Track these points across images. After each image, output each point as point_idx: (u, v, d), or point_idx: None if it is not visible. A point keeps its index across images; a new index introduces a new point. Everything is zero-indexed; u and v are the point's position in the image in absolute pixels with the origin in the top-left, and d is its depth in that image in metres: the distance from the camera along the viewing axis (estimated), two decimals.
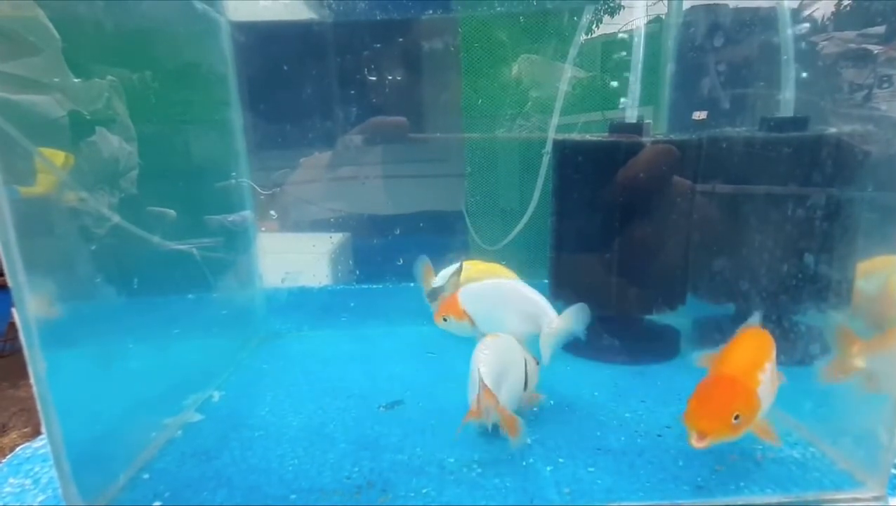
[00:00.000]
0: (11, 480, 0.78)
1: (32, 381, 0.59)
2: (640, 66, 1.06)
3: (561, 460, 0.77)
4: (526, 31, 1.37)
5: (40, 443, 0.87)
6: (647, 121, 1.07)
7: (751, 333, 0.77)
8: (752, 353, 0.73)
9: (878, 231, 0.94)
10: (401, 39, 1.31)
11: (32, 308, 0.59)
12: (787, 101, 0.99)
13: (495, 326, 0.90)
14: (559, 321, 0.88)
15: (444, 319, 0.95)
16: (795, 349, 1.00)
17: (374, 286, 1.41)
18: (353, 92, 1.30)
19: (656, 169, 1.00)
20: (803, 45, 1.00)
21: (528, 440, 0.82)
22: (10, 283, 0.57)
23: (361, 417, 0.91)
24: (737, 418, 0.64)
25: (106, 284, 0.79)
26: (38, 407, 0.60)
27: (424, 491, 0.71)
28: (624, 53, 1.10)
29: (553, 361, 0.91)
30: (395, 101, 1.33)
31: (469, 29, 1.36)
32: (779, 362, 1.01)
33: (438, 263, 1.23)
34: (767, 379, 0.70)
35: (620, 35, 1.29)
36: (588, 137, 1.20)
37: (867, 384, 0.74)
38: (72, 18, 0.82)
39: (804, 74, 0.99)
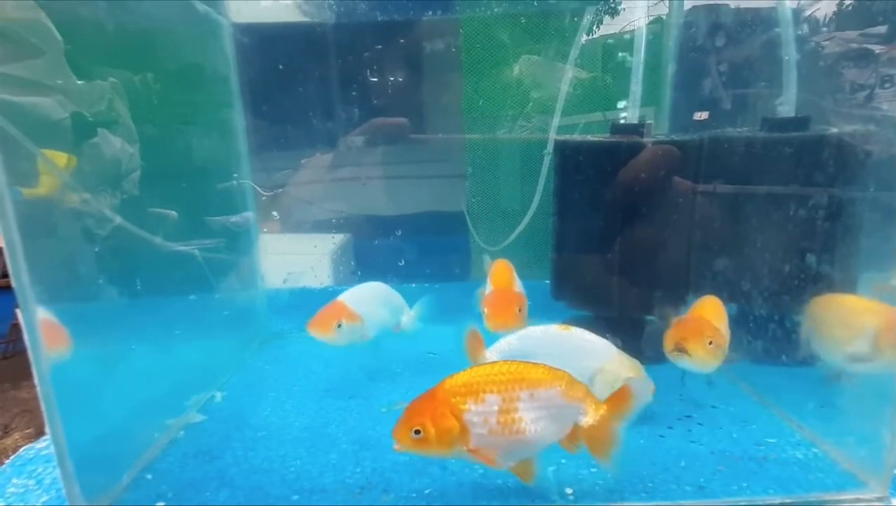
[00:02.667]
0: (15, 480, 0.79)
1: (36, 381, 0.59)
2: (641, 66, 1.06)
3: (563, 460, 0.77)
4: (527, 32, 1.37)
5: (43, 444, 0.87)
6: (649, 121, 1.08)
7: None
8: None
9: (879, 231, 0.94)
10: (402, 40, 1.31)
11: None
12: (788, 101, 0.99)
13: (378, 325, 1.00)
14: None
15: (339, 326, 0.93)
16: (797, 350, 1.00)
17: None
18: (354, 93, 1.30)
19: (657, 170, 1.00)
20: (805, 45, 1.00)
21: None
22: (14, 284, 0.57)
23: (363, 417, 0.91)
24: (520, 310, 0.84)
25: (108, 285, 0.79)
26: (42, 408, 0.60)
27: (426, 492, 0.72)
28: (625, 54, 1.10)
29: None
30: (397, 102, 1.33)
31: (470, 30, 1.36)
32: (781, 363, 1.02)
33: (439, 262, 1.23)
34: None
35: (621, 36, 1.29)
36: (589, 137, 1.20)
37: None
38: (74, 20, 0.82)
39: (805, 74, 0.99)
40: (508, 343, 0.83)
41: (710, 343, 0.80)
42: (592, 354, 0.80)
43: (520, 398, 0.61)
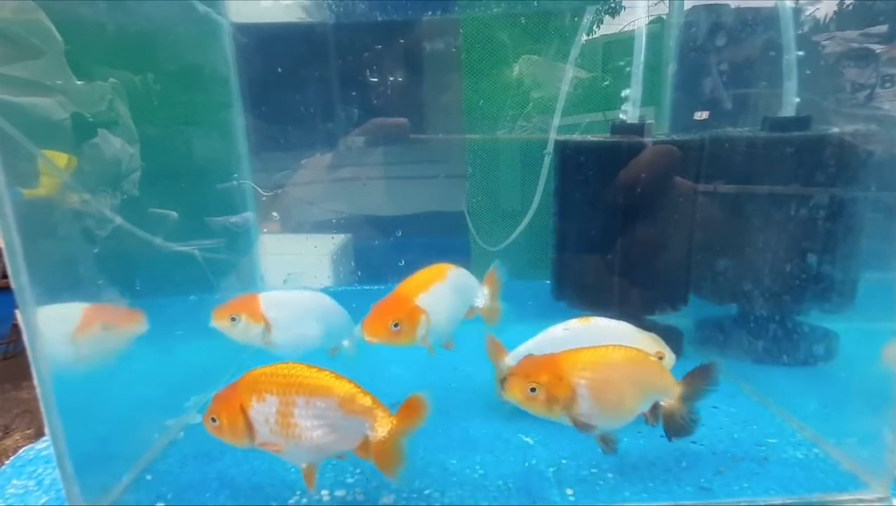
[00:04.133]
0: (15, 481, 0.79)
1: (36, 382, 0.59)
2: (641, 66, 1.05)
3: (564, 461, 0.77)
4: (527, 32, 1.37)
5: (43, 445, 0.87)
6: (650, 121, 1.07)
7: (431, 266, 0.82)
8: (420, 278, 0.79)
9: (881, 231, 0.94)
10: (402, 41, 1.31)
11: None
12: (789, 100, 0.99)
13: (297, 339, 0.84)
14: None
15: (233, 319, 0.83)
16: (799, 350, 1.00)
17: (376, 287, 1.41)
18: (354, 93, 1.30)
19: (658, 169, 1.00)
20: (805, 44, 1.00)
21: (530, 441, 0.82)
22: (13, 284, 0.57)
23: None
24: (396, 325, 0.72)
25: (108, 285, 0.79)
26: (42, 408, 0.60)
27: (427, 492, 0.71)
28: (625, 55, 1.10)
29: None
30: (397, 103, 1.33)
31: (470, 30, 1.36)
32: (782, 363, 1.02)
33: (440, 262, 1.23)
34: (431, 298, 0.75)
35: (622, 35, 1.29)
36: (589, 137, 1.20)
37: None
38: (74, 21, 0.82)
39: (806, 74, 0.99)
40: (527, 348, 0.84)
41: (534, 390, 0.64)
42: (617, 340, 0.80)
43: (296, 404, 0.61)
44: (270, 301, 0.85)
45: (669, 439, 0.70)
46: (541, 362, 0.66)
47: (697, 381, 0.70)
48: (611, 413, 0.67)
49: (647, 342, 0.83)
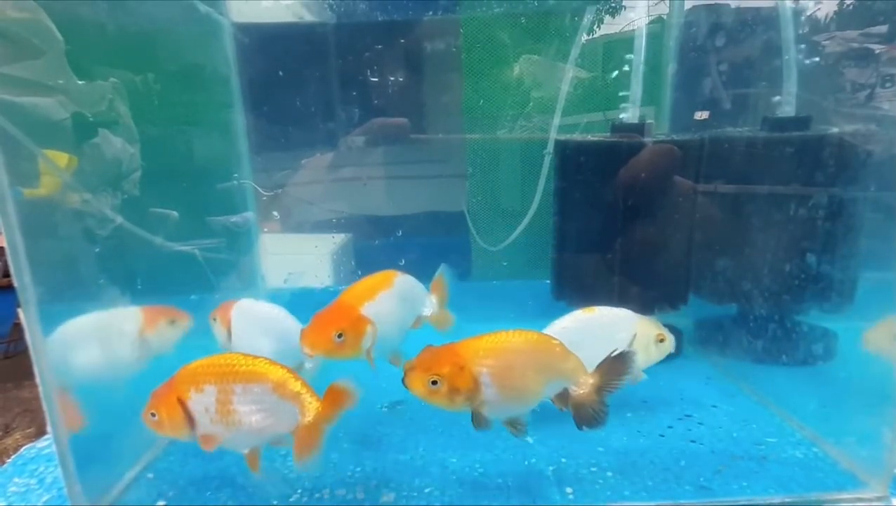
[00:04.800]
0: (16, 479, 0.79)
1: (38, 380, 0.59)
2: (641, 66, 1.06)
3: (563, 459, 0.77)
4: (527, 32, 1.37)
5: (45, 443, 0.87)
6: (650, 121, 1.08)
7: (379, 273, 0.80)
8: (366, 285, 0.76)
9: (880, 231, 0.94)
10: (402, 41, 1.31)
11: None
12: (789, 100, 0.99)
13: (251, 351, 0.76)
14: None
15: (213, 320, 0.86)
16: (798, 349, 1.00)
17: None
18: (354, 93, 1.30)
19: (658, 169, 1.00)
20: (805, 44, 1.00)
21: (531, 440, 0.82)
22: (16, 284, 0.57)
23: (364, 416, 0.91)
24: (340, 336, 0.69)
25: (109, 284, 0.79)
26: (44, 407, 0.61)
27: (427, 490, 0.72)
28: (625, 54, 1.10)
29: None
30: (397, 103, 1.33)
31: (470, 30, 1.36)
32: (781, 362, 1.02)
33: (440, 262, 1.22)
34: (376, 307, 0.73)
35: (622, 35, 1.29)
36: (589, 137, 1.20)
37: None
38: (75, 20, 0.82)
39: (806, 74, 0.99)
40: None
41: (435, 382, 0.62)
42: (622, 327, 0.83)
43: (234, 391, 0.62)
44: (241, 310, 0.87)
45: (579, 428, 0.66)
46: (441, 353, 0.64)
47: (610, 371, 0.66)
48: (515, 399, 0.65)
49: (648, 326, 0.84)
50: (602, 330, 0.83)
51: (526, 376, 0.65)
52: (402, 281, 0.80)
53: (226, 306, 0.87)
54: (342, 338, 0.69)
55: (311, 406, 0.63)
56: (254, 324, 0.87)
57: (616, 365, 0.65)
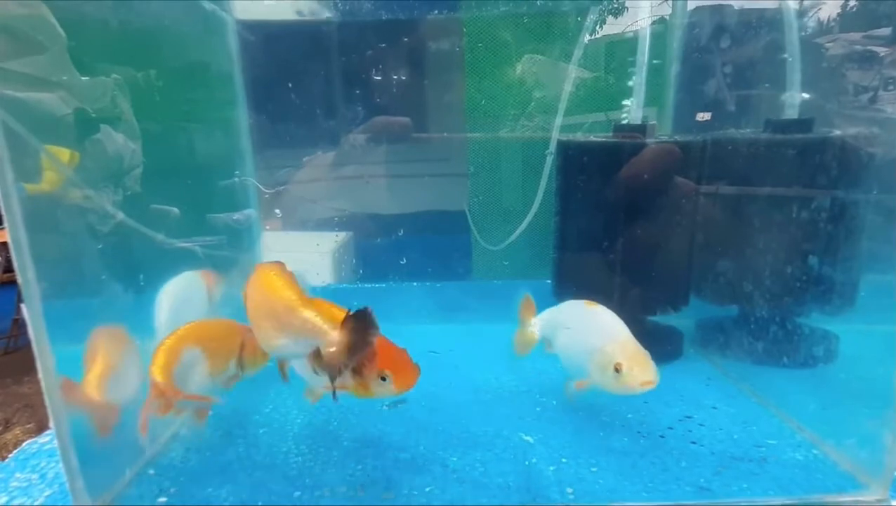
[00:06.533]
0: (18, 474, 0.79)
1: (41, 376, 0.59)
2: (644, 66, 1.06)
3: (564, 459, 0.77)
4: (530, 32, 1.37)
5: (46, 438, 0.87)
6: (652, 122, 1.07)
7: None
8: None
9: (882, 234, 0.94)
10: (405, 39, 1.31)
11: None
12: (791, 102, 0.99)
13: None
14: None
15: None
16: (799, 351, 1.01)
17: (378, 285, 1.41)
18: (357, 92, 1.30)
19: (659, 169, 1.00)
20: (809, 46, 1.00)
21: (531, 439, 0.82)
22: (19, 280, 0.57)
23: (365, 415, 0.91)
24: None
25: (111, 280, 0.79)
26: (46, 402, 0.61)
27: (427, 489, 0.72)
28: (628, 55, 1.10)
29: (556, 361, 0.91)
30: (399, 101, 1.33)
31: (473, 29, 1.36)
32: (782, 364, 1.02)
33: (441, 261, 1.23)
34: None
35: (625, 36, 1.29)
36: (592, 137, 1.20)
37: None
38: (77, 17, 0.82)
39: (809, 76, 0.99)
40: (551, 314, 0.94)
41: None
42: (600, 333, 0.81)
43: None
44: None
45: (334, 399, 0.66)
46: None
47: (356, 328, 0.63)
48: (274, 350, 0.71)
49: (622, 350, 0.77)
50: (585, 326, 0.85)
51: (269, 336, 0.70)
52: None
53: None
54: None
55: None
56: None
57: (359, 323, 0.63)
